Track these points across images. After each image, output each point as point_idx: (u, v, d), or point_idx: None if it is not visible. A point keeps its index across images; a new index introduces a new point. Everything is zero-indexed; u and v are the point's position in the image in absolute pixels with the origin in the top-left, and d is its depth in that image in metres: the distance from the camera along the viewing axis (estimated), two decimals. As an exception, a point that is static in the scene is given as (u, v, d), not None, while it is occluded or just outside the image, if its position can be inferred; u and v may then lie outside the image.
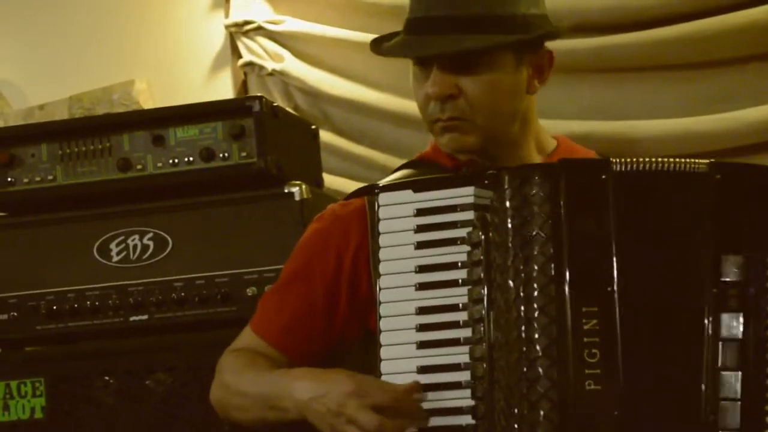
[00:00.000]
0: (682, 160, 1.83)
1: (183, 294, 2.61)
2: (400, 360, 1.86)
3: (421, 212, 1.89)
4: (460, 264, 1.85)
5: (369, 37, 3.37)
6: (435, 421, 1.83)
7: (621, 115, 3.04)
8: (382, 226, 1.91)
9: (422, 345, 1.85)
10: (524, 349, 1.77)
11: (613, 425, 1.75)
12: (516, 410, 1.77)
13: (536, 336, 1.77)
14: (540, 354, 1.76)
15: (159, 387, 2.59)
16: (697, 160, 1.83)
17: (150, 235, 2.65)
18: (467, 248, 1.85)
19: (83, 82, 3.78)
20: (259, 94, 2.77)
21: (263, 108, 2.59)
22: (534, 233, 1.79)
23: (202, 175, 2.61)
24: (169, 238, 2.63)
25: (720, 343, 1.77)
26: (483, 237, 1.83)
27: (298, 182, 2.58)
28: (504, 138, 2.02)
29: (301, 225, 2.49)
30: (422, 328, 1.86)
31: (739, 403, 1.76)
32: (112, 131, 2.67)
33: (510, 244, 1.80)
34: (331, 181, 3.24)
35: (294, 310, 2.05)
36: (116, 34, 3.84)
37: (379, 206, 1.91)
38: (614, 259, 1.78)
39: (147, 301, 2.63)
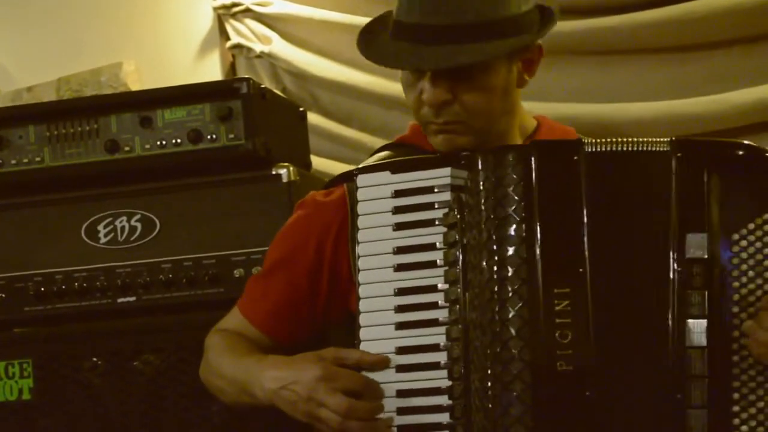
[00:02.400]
0: (648, 139, 1.84)
1: (171, 276, 2.61)
2: (378, 341, 1.88)
3: (398, 194, 1.90)
4: (437, 245, 1.87)
5: (357, 19, 3.42)
6: (413, 402, 1.85)
7: (608, 97, 3.04)
8: (361, 208, 1.92)
9: (400, 326, 1.87)
10: (498, 330, 1.79)
11: (585, 405, 1.77)
12: (490, 391, 1.79)
13: (509, 317, 1.79)
14: (513, 335, 1.79)
15: (147, 368, 2.59)
16: (660, 139, 1.84)
17: (138, 216, 2.64)
18: (444, 229, 1.86)
19: (71, 64, 3.78)
20: (247, 76, 2.76)
21: (251, 90, 2.58)
22: (507, 215, 1.81)
23: (190, 157, 2.61)
24: (156, 220, 2.63)
25: (687, 322, 1.79)
26: (458, 218, 1.84)
27: (285, 164, 2.58)
28: (495, 131, 2.02)
29: (289, 207, 2.49)
30: (400, 309, 1.87)
31: (707, 380, 1.78)
32: (100, 113, 2.66)
33: (483, 225, 1.82)
34: (319, 163, 3.25)
35: (278, 295, 2.08)
36: (105, 16, 3.83)
37: (357, 188, 1.93)
38: (585, 240, 1.80)
39: (135, 283, 2.63)
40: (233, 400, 2.05)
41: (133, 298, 2.64)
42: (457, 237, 1.84)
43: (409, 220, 1.89)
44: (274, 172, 2.57)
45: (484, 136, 1.99)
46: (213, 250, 2.59)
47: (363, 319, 1.89)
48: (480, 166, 1.84)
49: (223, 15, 3.64)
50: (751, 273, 1.79)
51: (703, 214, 1.80)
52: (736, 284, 1.79)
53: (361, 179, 1.93)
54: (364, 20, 3.35)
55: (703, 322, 1.78)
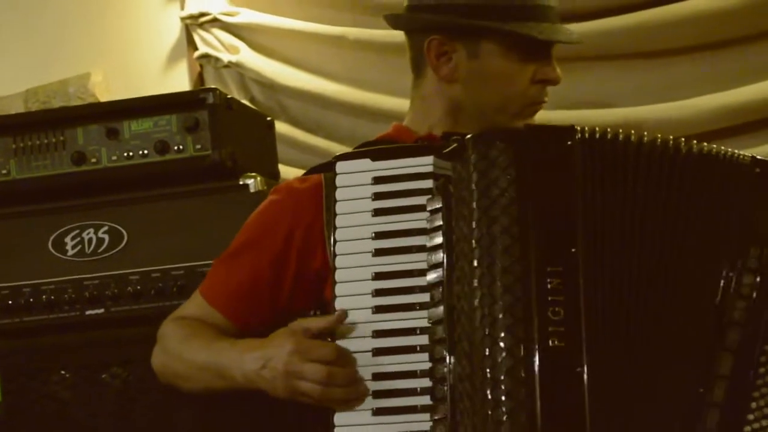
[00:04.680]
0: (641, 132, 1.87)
1: (139, 287, 2.60)
2: (355, 324, 1.86)
3: (378, 180, 1.89)
4: (417, 230, 1.86)
5: (324, 28, 3.42)
6: (392, 385, 1.83)
7: (571, 104, 3.05)
8: (339, 194, 1.90)
9: (378, 310, 1.85)
10: (487, 309, 1.78)
11: (577, 381, 1.77)
12: (479, 368, 1.78)
13: (500, 293, 1.78)
14: (504, 313, 1.78)
15: (115, 381, 2.58)
16: (745, 154, 1.89)
17: (105, 228, 2.64)
18: (425, 215, 1.85)
19: (39, 75, 3.77)
20: (213, 86, 2.77)
21: (217, 100, 2.58)
22: (499, 195, 1.80)
23: (157, 168, 2.60)
24: (124, 232, 2.62)
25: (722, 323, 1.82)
26: (443, 203, 1.84)
27: (253, 174, 2.58)
28: None
29: (256, 217, 2.50)
30: (378, 293, 1.86)
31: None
32: (66, 125, 2.66)
33: (474, 206, 1.81)
34: (287, 172, 3.24)
35: (240, 279, 2.07)
36: (72, 27, 3.83)
37: (336, 174, 1.91)
38: (579, 221, 1.81)
39: (103, 295, 2.62)
40: (203, 386, 2.02)
41: (101, 310, 2.63)
42: (440, 222, 1.84)
43: (389, 206, 1.88)
44: (241, 183, 2.57)
45: None
46: (181, 261, 2.58)
47: (339, 303, 1.87)
48: (471, 149, 1.83)
49: (190, 25, 3.64)
50: None
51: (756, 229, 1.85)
52: None
53: (341, 166, 1.92)
54: (331, 29, 3.41)
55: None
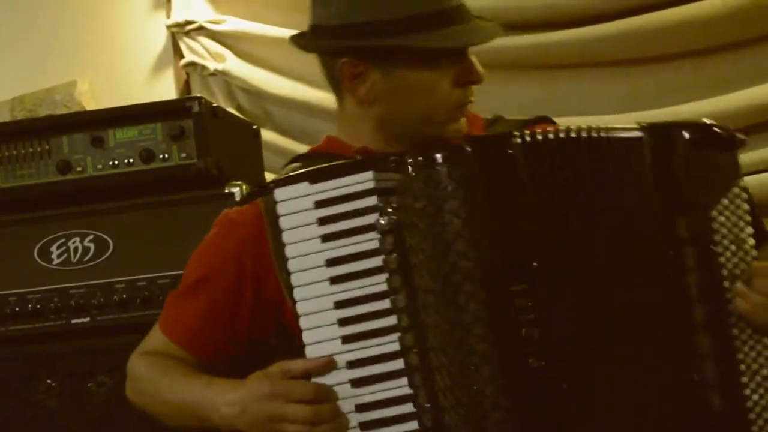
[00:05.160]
0: (599, 126, 1.82)
1: (125, 296, 2.60)
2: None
3: (320, 204, 1.81)
4: (371, 252, 1.79)
5: (310, 36, 3.41)
6: (375, 414, 1.79)
7: (558, 111, 3.03)
8: (284, 223, 1.83)
9: (347, 339, 1.80)
10: (459, 334, 1.75)
11: (563, 398, 1.75)
12: (464, 399, 1.75)
13: (470, 321, 1.74)
14: (477, 337, 1.74)
15: (101, 389, 2.58)
16: (621, 126, 1.83)
17: (91, 237, 2.64)
18: (376, 235, 1.79)
19: (25, 83, 3.76)
20: (198, 95, 2.77)
21: (202, 108, 2.58)
22: (450, 219, 1.76)
23: (142, 177, 2.61)
24: (110, 240, 2.63)
25: (685, 302, 1.78)
26: (391, 220, 1.78)
27: (238, 182, 2.58)
28: None
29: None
30: (344, 322, 1.80)
31: (712, 360, 1.77)
32: (51, 133, 2.66)
33: (425, 229, 1.76)
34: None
35: (198, 314, 2.03)
36: (58, 35, 3.82)
37: (276, 203, 1.84)
38: (533, 233, 1.76)
39: (89, 304, 2.62)
40: (183, 424, 2.00)
41: (87, 319, 2.63)
42: (393, 242, 1.78)
43: (337, 230, 1.81)
44: (226, 191, 2.57)
45: None
46: (167, 270, 2.59)
47: (307, 337, 1.82)
48: (411, 167, 1.78)
49: (176, 33, 3.64)
50: (732, 247, 1.78)
51: (682, 195, 1.79)
52: (722, 259, 1.77)
53: (279, 193, 1.83)
54: (317, 37, 3.40)
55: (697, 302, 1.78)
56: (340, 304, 1.81)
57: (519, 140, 1.80)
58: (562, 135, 1.82)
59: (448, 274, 1.76)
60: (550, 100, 3.02)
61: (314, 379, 1.82)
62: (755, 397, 1.77)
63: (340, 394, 1.81)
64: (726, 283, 1.78)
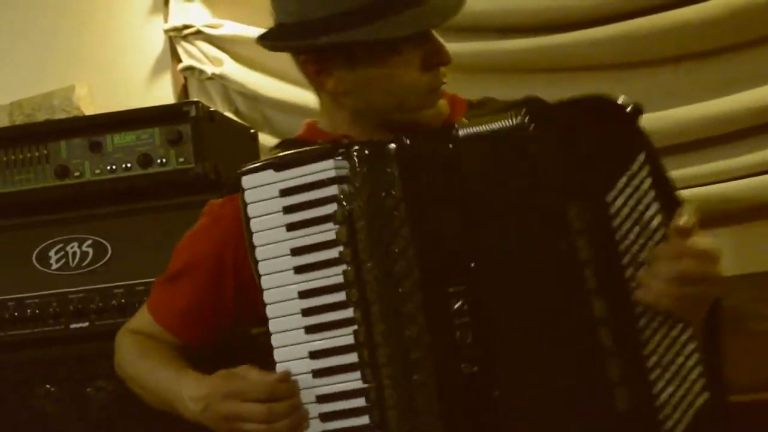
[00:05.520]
0: (508, 111, 1.78)
1: (123, 300, 2.60)
2: (291, 347, 1.82)
3: (285, 192, 1.82)
4: (330, 243, 1.79)
5: (307, 40, 3.42)
6: (331, 407, 1.80)
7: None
8: (251, 210, 1.84)
9: (309, 329, 1.81)
10: (398, 335, 1.75)
11: (495, 405, 1.73)
12: (400, 400, 1.75)
13: (406, 321, 1.74)
14: (414, 340, 1.74)
15: (100, 394, 2.59)
16: (517, 109, 1.79)
17: (89, 242, 2.64)
18: (335, 226, 1.79)
19: (23, 88, 3.76)
20: (195, 100, 2.77)
21: (200, 113, 2.59)
22: (387, 211, 1.76)
23: (140, 181, 2.61)
24: (108, 245, 2.63)
25: (585, 297, 1.70)
26: (347, 213, 1.78)
27: (236, 187, 2.58)
28: None
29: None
30: (307, 312, 1.81)
31: (617, 356, 1.70)
32: (49, 138, 2.67)
33: (370, 222, 1.76)
34: (272, 184, 3.25)
35: (184, 300, 2.06)
36: (57, 40, 3.82)
37: (243, 190, 1.86)
38: (472, 231, 1.74)
39: (87, 308, 2.62)
40: (157, 407, 2.03)
41: (85, 324, 2.63)
42: (347, 233, 1.78)
43: (301, 219, 1.81)
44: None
45: None
46: (165, 274, 2.59)
47: (272, 326, 1.83)
48: (356, 158, 1.78)
49: (174, 37, 3.64)
50: (636, 229, 1.70)
51: (574, 183, 1.72)
52: (623, 246, 1.70)
53: (246, 180, 1.85)
54: (315, 41, 3.40)
55: (598, 296, 1.71)
56: (303, 294, 1.81)
57: (459, 132, 1.78)
58: (487, 125, 1.78)
59: (390, 272, 1.76)
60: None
61: (280, 366, 1.82)
62: (665, 394, 1.70)
63: (302, 384, 1.81)
64: (628, 272, 1.70)
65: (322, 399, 1.80)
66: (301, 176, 1.82)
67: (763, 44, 2.96)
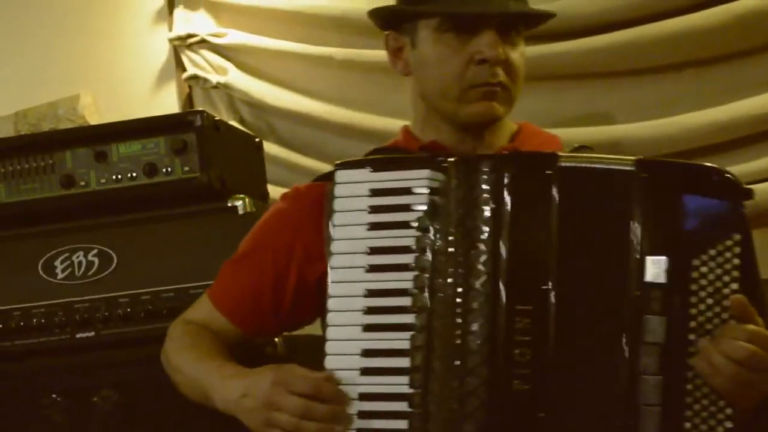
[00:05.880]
0: (619, 157, 1.83)
1: (129, 310, 2.59)
2: (345, 342, 1.84)
3: (375, 192, 1.86)
4: (409, 248, 1.83)
5: (311, 48, 3.43)
6: (373, 406, 1.82)
7: (560, 122, 3.05)
8: (337, 204, 1.88)
9: (368, 328, 1.83)
10: (459, 343, 1.77)
11: (537, 426, 1.76)
12: (448, 404, 1.77)
13: (471, 330, 1.77)
14: (473, 350, 1.77)
15: (106, 404, 2.58)
16: (628, 158, 1.82)
17: (95, 251, 2.64)
18: (417, 233, 1.82)
19: (28, 97, 3.77)
20: (200, 109, 2.77)
21: (205, 122, 2.58)
22: (476, 225, 1.78)
23: (146, 191, 2.60)
24: (113, 254, 2.62)
25: (642, 347, 1.75)
26: (432, 222, 1.81)
27: (241, 196, 2.58)
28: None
29: (246, 238, 2.51)
30: (369, 311, 1.84)
31: (660, 408, 1.74)
32: (55, 148, 2.66)
33: (453, 234, 1.79)
34: (276, 192, 3.23)
35: (244, 284, 2.09)
36: (61, 48, 3.83)
37: (335, 183, 1.89)
38: (552, 257, 1.78)
39: (93, 318, 2.61)
40: (194, 398, 2.05)
41: (91, 333, 2.62)
42: (428, 242, 1.81)
43: (384, 221, 1.85)
44: (229, 204, 2.57)
45: (510, 109, 2.04)
46: (171, 284, 2.58)
47: (331, 318, 1.85)
48: (454, 174, 1.81)
49: (178, 46, 3.65)
50: (709, 300, 1.75)
51: (666, 238, 1.77)
52: (694, 311, 1.75)
53: (340, 175, 1.89)
54: (319, 50, 3.42)
55: (657, 348, 1.75)
56: (370, 293, 1.84)
57: (562, 162, 1.81)
58: (595, 161, 1.83)
59: (463, 281, 1.78)
60: (552, 111, 3.02)
61: (329, 360, 1.84)
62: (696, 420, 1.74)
63: (347, 380, 1.83)
64: (691, 336, 1.75)
65: (363, 397, 1.83)
66: (395, 180, 1.86)
67: (767, 51, 2.95)
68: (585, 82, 3.10)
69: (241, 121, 3.55)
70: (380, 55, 3.31)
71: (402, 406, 1.80)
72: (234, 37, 3.56)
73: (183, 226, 2.59)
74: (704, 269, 1.75)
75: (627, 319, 1.77)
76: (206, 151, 2.58)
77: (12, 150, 2.69)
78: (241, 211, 2.56)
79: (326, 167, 3.36)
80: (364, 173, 1.88)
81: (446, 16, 1.99)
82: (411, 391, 1.80)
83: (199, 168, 2.57)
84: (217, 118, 2.70)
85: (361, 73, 3.36)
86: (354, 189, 1.87)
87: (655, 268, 1.76)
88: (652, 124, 3.01)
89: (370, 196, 1.86)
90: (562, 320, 1.77)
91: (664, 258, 1.76)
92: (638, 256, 1.77)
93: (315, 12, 3.42)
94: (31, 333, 2.65)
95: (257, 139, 2.94)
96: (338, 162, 1.91)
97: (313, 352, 2.08)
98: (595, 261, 1.80)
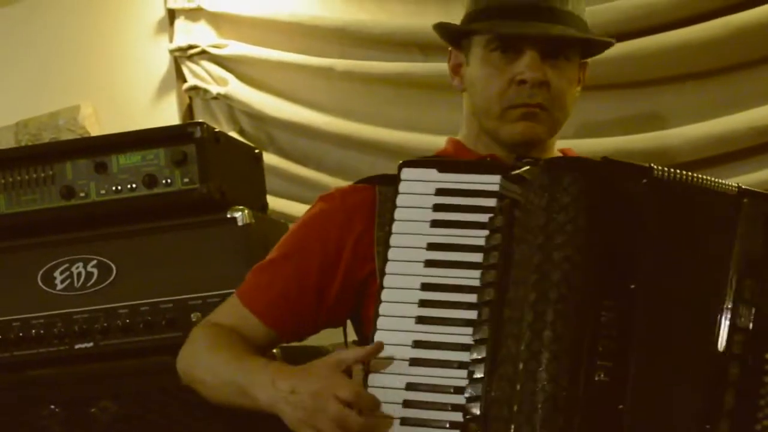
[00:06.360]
0: (714, 179, 1.87)
1: (128, 321, 2.60)
2: (395, 332, 1.86)
3: (441, 192, 1.89)
4: (473, 247, 1.85)
5: (312, 60, 3.43)
6: (422, 396, 1.83)
7: (561, 134, 3.06)
8: (400, 200, 1.90)
9: (421, 320, 1.85)
10: (537, 334, 1.77)
11: (616, 418, 1.77)
12: (520, 391, 1.77)
13: (552, 320, 1.77)
14: (553, 341, 1.77)
15: (104, 415, 2.58)
16: (730, 184, 1.87)
17: (94, 262, 2.64)
18: (484, 233, 1.84)
19: (29, 107, 3.78)
20: (200, 120, 2.78)
21: (204, 134, 2.59)
22: (566, 221, 1.79)
23: (145, 202, 2.61)
24: (113, 265, 2.63)
25: (727, 359, 1.81)
26: (505, 224, 1.83)
27: (241, 207, 2.59)
28: (555, 135, 2.11)
29: (245, 249, 2.51)
30: (424, 303, 1.86)
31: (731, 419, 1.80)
32: (55, 159, 2.67)
33: (540, 230, 1.80)
34: (276, 203, 3.25)
35: (285, 286, 2.07)
36: (62, 59, 3.84)
37: (400, 180, 1.91)
38: (640, 259, 1.80)
39: (92, 329, 2.62)
40: (222, 398, 2.03)
41: (90, 344, 2.63)
42: (499, 243, 1.83)
43: (449, 219, 1.88)
44: (229, 216, 2.58)
45: (553, 133, 2.09)
46: (170, 295, 2.59)
47: (383, 309, 1.87)
48: (537, 178, 1.82)
49: (179, 57, 3.65)
50: None
51: (756, 261, 1.83)
52: None
53: (406, 172, 1.92)
54: (319, 61, 3.43)
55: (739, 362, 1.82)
56: (426, 287, 1.87)
57: (658, 173, 1.83)
58: (687, 178, 1.85)
59: (548, 272, 1.79)
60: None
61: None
62: None
63: (396, 369, 1.85)
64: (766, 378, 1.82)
65: (411, 387, 1.84)
66: (463, 182, 1.89)
67: (766, 63, 2.96)
68: (584, 95, 3.08)
69: (241, 132, 3.55)
70: (381, 66, 3.34)
71: (458, 398, 1.81)
72: (234, 48, 3.56)
73: (182, 237, 2.60)
74: None
75: (712, 329, 1.82)
76: (206, 162, 2.58)
77: (12, 161, 2.70)
78: (240, 223, 2.57)
79: (326, 178, 3.41)
80: (431, 173, 1.91)
81: (492, 35, 2.04)
82: (466, 382, 1.81)
83: (198, 179, 2.58)
84: (217, 130, 2.71)
85: (362, 85, 3.36)
86: (419, 187, 1.91)
87: (744, 286, 1.83)
88: (652, 136, 3.01)
89: (435, 195, 1.90)
90: (645, 320, 1.79)
91: (756, 278, 1.83)
92: (731, 275, 1.82)
93: (315, 23, 3.43)
94: (30, 344, 2.66)
95: (257, 151, 2.95)
96: (403, 161, 1.94)
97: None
98: (686, 269, 1.84)
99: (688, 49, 2.95)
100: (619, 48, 3.00)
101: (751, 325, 1.82)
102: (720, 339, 1.81)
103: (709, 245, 1.85)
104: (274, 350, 2.36)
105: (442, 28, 2.14)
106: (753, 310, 1.82)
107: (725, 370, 1.81)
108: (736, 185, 1.87)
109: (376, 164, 3.22)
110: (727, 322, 1.81)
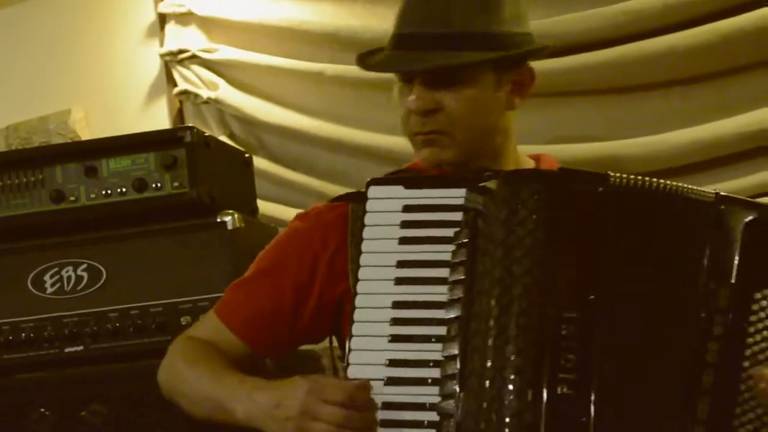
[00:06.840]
0: (690, 186, 1.88)
1: (118, 324, 2.61)
2: (369, 351, 1.86)
3: (408, 209, 1.90)
4: (441, 263, 1.85)
5: (302, 64, 3.44)
6: (398, 415, 1.83)
7: (545, 139, 3.06)
8: (368, 219, 1.91)
9: (394, 339, 1.85)
10: (500, 349, 1.78)
11: (581, 430, 1.78)
12: (487, 408, 1.78)
13: (514, 335, 1.78)
14: (516, 355, 1.78)
15: (94, 418, 2.58)
16: (704, 190, 1.89)
17: (84, 266, 2.64)
18: (450, 247, 1.85)
19: (19, 111, 3.78)
20: (190, 125, 2.78)
21: (195, 138, 2.60)
22: (525, 235, 1.80)
23: (135, 206, 2.62)
24: (103, 269, 2.63)
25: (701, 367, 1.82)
26: (470, 237, 1.83)
27: (230, 211, 2.59)
28: (484, 152, 2.08)
29: (234, 254, 2.52)
30: (396, 321, 1.86)
31: (707, 425, 1.81)
32: (45, 163, 2.67)
33: (499, 244, 1.81)
34: (266, 207, 3.26)
35: (261, 303, 2.08)
36: (53, 63, 3.84)
37: (367, 198, 1.92)
38: (598, 268, 1.81)
39: (82, 332, 2.63)
40: (203, 413, 2.03)
41: (80, 348, 2.63)
42: (465, 258, 1.83)
43: (416, 236, 1.88)
44: (218, 220, 2.58)
45: (470, 153, 2.05)
46: (160, 298, 2.60)
47: (356, 329, 1.87)
48: (501, 187, 1.84)
49: (169, 62, 3.66)
50: (765, 332, 1.82)
51: (731, 268, 1.83)
52: (750, 340, 1.82)
53: (373, 190, 1.93)
54: (309, 65, 3.43)
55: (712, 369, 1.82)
56: (397, 305, 1.87)
57: (614, 180, 1.84)
58: (648, 185, 1.86)
59: (508, 286, 1.80)
60: (536, 129, 3.03)
61: (352, 369, 1.86)
62: None
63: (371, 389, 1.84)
64: (746, 363, 1.82)
65: (387, 406, 1.83)
66: (429, 197, 1.90)
67: (753, 69, 2.96)
68: (571, 100, 3.11)
69: (231, 136, 3.56)
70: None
71: (431, 415, 1.81)
72: (225, 52, 3.57)
73: (172, 241, 2.61)
74: (765, 302, 1.83)
75: (685, 340, 1.83)
76: (196, 166, 2.59)
77: (2, 165, 2.70)
78: (230, 227, 2.57)
79: (316, 182, 3.42)
80: (398, 190, 1.92)
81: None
82: (439, 399, 1.81)
83: (188, 183, 2.59)
84: (207, 134, 2.71)
85: (352, 89, 3.37)
86: (386, 204, 1.91)
87: (720, 295, 1.84)
88: (639, 142, 3.02)
89: (402, 211, 1.90)
90: (608, 330, 1.80)
91: (729, 287, 1.83)
92: (702, 283, 1.84)
93: (306, 28, 3.43)
94: (20, 347, 2.66)
95: (247, 155, 2.96)
96: (371, 178, 1.95)
97: (303, 367, 2.09)
98: (651, 281, 1.84)
99: (675, 56, 2.96)
100: (606, 54, 3.02)
101: (725, 333, 1.82)
102: (693, 347, 1.82)
103: (676, 252, 1.85)
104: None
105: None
106: (730, 317, 1.83)
107: (698, 378, 1.81)
108: (714, 192, 1.88)
109: (366, 169, 3.23)
110: (702, 331, 1.82)
